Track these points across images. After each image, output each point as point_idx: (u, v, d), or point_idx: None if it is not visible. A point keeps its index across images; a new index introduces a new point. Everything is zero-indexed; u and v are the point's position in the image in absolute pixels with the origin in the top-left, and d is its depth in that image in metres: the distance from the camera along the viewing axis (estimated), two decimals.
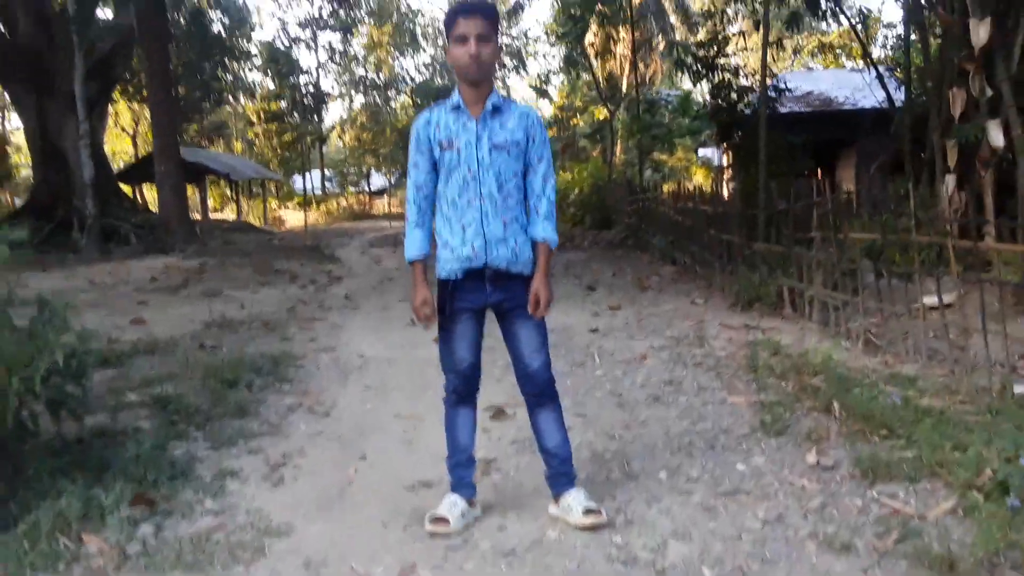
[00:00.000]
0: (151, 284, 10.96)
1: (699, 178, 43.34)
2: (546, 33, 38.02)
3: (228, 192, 43.80)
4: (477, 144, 2.67)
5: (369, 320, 7.75)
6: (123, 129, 42.10)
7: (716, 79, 13.89)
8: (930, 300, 5.62)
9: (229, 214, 41.59)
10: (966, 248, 5.35)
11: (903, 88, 11.04)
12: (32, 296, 3.50)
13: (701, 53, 14.04)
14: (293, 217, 41.49)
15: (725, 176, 21.66)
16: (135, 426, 4.09)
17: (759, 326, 6.66)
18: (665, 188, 36.01)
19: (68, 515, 2.81)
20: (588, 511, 2.70)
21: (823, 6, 12.02)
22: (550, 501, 2.87)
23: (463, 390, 2.88)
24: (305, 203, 40.38)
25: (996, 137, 7.11)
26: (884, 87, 12.18)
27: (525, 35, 42.53)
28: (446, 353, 2.85)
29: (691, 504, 2.90)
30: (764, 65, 9.56)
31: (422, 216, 2.79)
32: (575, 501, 2.74)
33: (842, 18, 13.11)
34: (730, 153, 16.78)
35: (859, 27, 13.99)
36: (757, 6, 11.84)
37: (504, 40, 45.67)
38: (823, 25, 16.61)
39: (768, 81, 11.89)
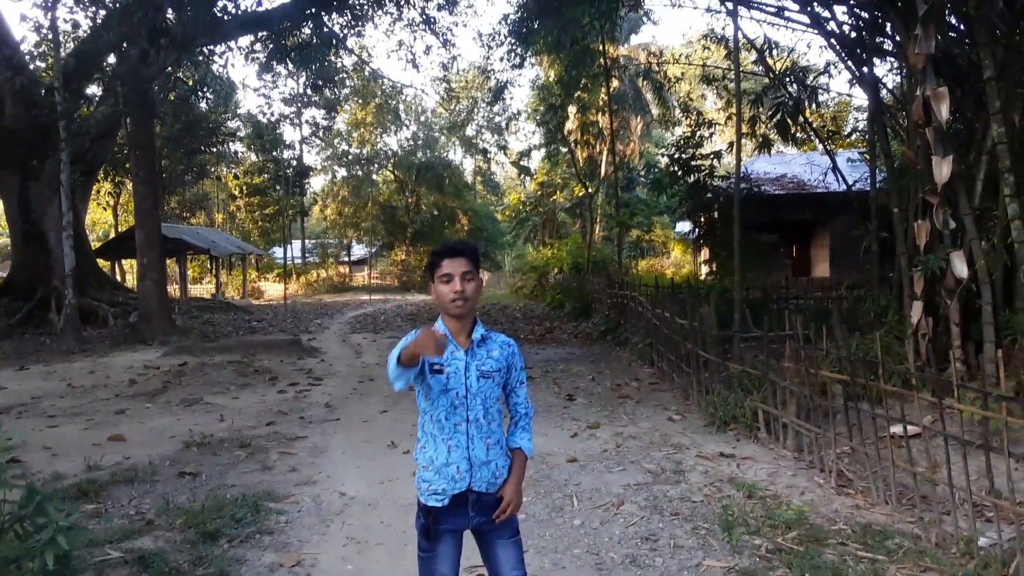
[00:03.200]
0: (130, 388, 10.96)
1: (677, 253, 44.13)
2: (528, 110, 38.98)
3: (208, 264, 43.88)
4: (466, 372, 2.80)
5: (351, 439, 7.79)
6: (104, 204, 42.15)
7: (692, 179, 14.35)
8: (898, 429, 5.80)
9: (208, 286, 41.62)
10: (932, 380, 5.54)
11: (873, 172, 11.47)
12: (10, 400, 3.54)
13: (676, 155, 14.49)
14: (272, 289, 41.59)
15: (700, 259, 22.10)
16: None
17: (735, 454, 6.79)
18: (643, 265, 36.44)
19: None
20: None
21: (791, 130, 12.52)
22: None
23: None
24: (285, 275, 40.50)
25: (960, 268, 7.41)
26: (845, 181, 12.65)
27: (507, 113, 43.29)
28: (428, 575, 2.88)
29: None
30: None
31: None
32: None
33: (812, 134, 13.59)
34: (705, 243, 17.20)
35: (828, 138, 14.47)
36: (729, 129, 12.28)
37: (488, 116, 46.73)
38: (790, 147, 17.14)
39: (741, 181, 12.32)
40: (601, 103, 26.06)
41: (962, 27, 8.34)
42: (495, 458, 2.85)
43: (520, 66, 19.94)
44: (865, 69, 10.06)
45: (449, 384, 2.79)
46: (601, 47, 20.61)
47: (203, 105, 30.22)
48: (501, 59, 19.67)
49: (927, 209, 7.75)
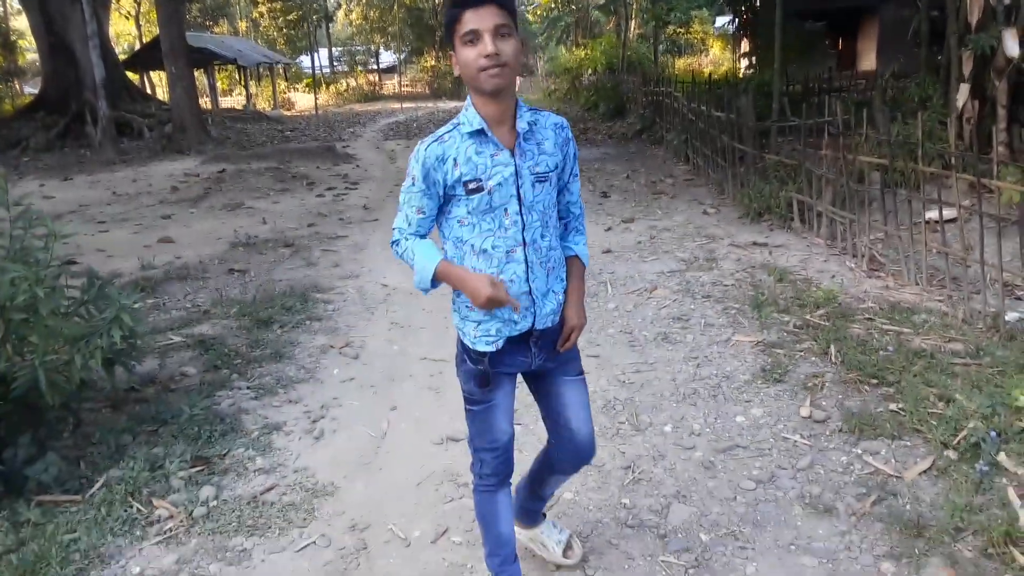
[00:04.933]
0: (173, 195, 11.19)
1: (716, 51, 42.26)
2: None
3: (236, 75, 43.16)
4: (517, 179, 2.07)
5: (388, 236, 7.95)
6: (125, 13, 41.08)
7: None
8: (934, 215, 5.80)
9: (238, 98, 41.15)
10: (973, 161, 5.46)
11: None
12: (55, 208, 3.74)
13: None
14: (303, 99, 41.00)
15: (739, 53, 21.14)
16: (182, 371, 4.44)
17: (768, 243, 6.85)
18: (680, 64, 35.10)
19: (137, 480, 3.17)
20: (561, 544, 2.60)
21: None
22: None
23: (503, 470, 2.33)
24: (314, 85, 39.78)
25: (1012, 47, 7.04)
26: None
27: None
28: (483, 431, 2.27)
29: (693, 461, 3.22)
30: None
31: (417, 234, 2.15)
32: (547, 536, 2.63)
33: None
34: (746, 36, 16.39)
35: None
36: None
37: None
38: None
39: None
40: None
41: None
42: (553, 284, 2.19)
43: None
44: None
45: (494, 200, 2.05)
46: None
47: None
48: None
49: None
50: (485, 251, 2.08)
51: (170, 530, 2.89)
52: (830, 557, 2.56)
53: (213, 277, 6.65)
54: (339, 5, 49.81)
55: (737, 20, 15.49)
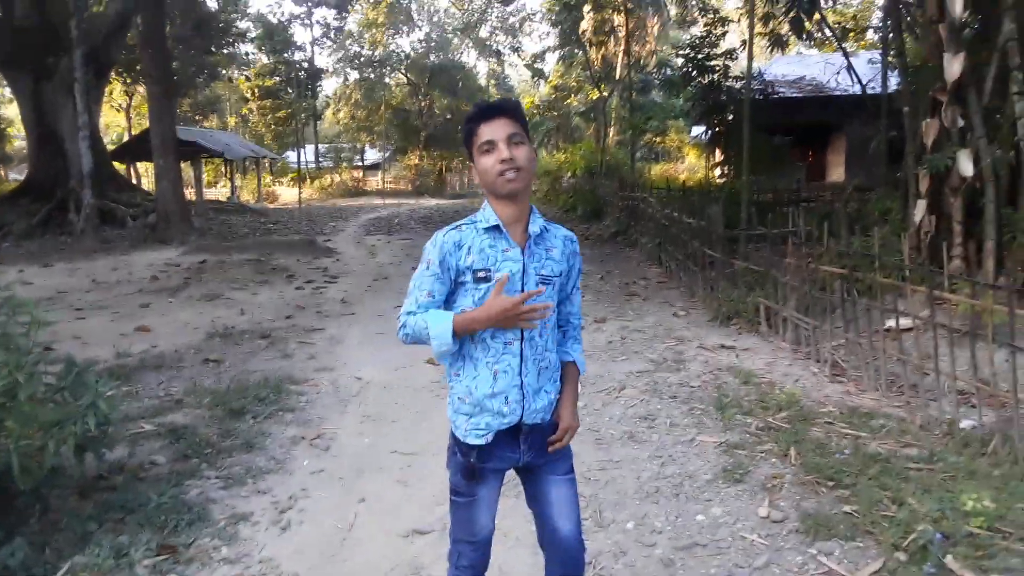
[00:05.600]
0: (152, 284, 11.29)
1: (692, 158, 43.67)
2: (543, 10, 38.09)
3: (222, 168, 43.93)
4: (523, 277, 2.19)
5: (366, 331, 8.10)
6: (116, 106, 42.00)
7: (706, 80, 14.21)
8: (893, 323, 6.02)
9: (223, 189, 41.75)
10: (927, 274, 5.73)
11: (884, 72, 11.34)
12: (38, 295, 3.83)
13: (691, 55, 14.31)
14: (286, 193, 41.63)
15: (712, 162, 21.96)
16: (151, 459, 4.46)
17: (735, 346, 7.04)
18: (657, 170, 36.15)
19: (102, 567, 3.19)
20: None
21: (807, 27, 12.32)
22: None
23: (480, 563, 2.39)
24: (299, 179, 40.51)
25: (966, 167, 7.45)
26: (859, 81, 12.53)
27: (521, 13, 42.26)
28: (465, 523, 2.34)
29: (653, 558, 3.29)
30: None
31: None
32: None
33: (827, 32, 13.36)
34: (719, 146, 17.11)
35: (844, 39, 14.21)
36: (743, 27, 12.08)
37: (502, 16, 45.66)
38: (805, 43, 16.77)
39: (753, 83, 12.20)
40: (617, 1, 25.44)
41: None
42: (545, 384, 2.27)
43: None
44: None
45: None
46: None
47: (212, 3, 29.74)
48: None
49: (936, 108, 7.74)
50: (484, 340, 2.18)
51: None
52: None
53: (188, 367, 6.70)
54: (327, 104, 51.22)
55: (709, 131, 16.19)
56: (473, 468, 2.26)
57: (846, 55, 12.92)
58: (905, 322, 5.90)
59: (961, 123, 7.61)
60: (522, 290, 2.17)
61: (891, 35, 9.95)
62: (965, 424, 4.79)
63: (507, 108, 2.19)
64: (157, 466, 4.39)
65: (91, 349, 7.21)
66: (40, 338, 3.69)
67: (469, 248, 2.17)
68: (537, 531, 2.40)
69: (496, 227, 2.18)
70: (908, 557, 3.13)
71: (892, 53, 10.05)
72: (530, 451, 2.27)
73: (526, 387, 2.21)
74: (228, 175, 39.67)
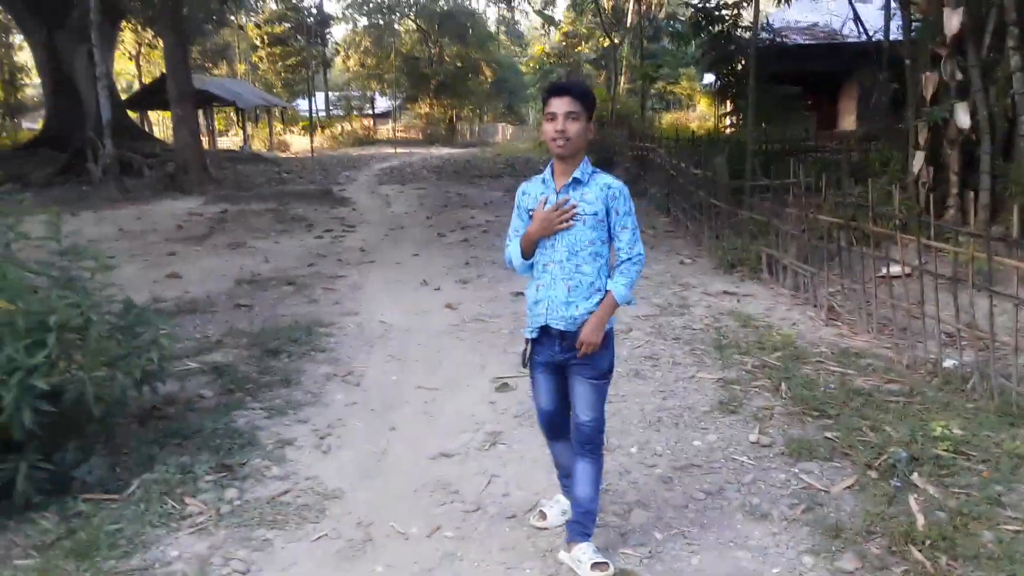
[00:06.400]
0: (178, 233, 11.70)
1: (703, 107, 43.49)
2: None
3: (233, 116, 44.04)
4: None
5: (385, 279, 8.50)
6: (126, 53, 41.95)
7: (716, 29, 14.31)
8: (893, 270, 6.38)
9: (234, 138, 41.93)
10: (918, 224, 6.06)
11: (887, 24, 11.48)
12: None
13: (701, 4, 14.38)
14: (298, 142, 41.73)
15: (722, 112, 22.05)
16: (199, 393, 4.91)
17: (738, 292, 7.42)
18: (668, 119, 36.04)
19: (170, 482, 3.64)
20: (596, 564, 2.88)
21: None
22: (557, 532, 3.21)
23: (549, 431, 3.17)
24: (311, 128, 40.56)
25: (963, 119, 7.73)
26: (865, 31, 12.65)
27: None
28: (534, 394, 3.14)
29: (653, 476, 3.71)
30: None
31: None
32: (584, 555, 2.91)
33: None
34: (728, 96, 17.22)
35: None
36: None
37: None
38: None
39: (762, 33, 12.33)
40: None
41: None
42: (576, 300, 2.85)
43: None
44: None
45: None
46: None
47: None
48: None
49: (936, 61, 7.98)
50: (534, 265, 2.97)
51: (201, 523, 3.35)
52: (761, 552, 3.05)
53: (221, 311, 7.13)
54: (337, 51, 50.96)
55: (719, 81, 16.30)
56: (526, 355, 3.04)
57: (852, 5, 13.00)
58: (898, 269, 6.25)
59: (960, 76, 7.86)
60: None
61: None
62: (948, 363, 5.17)
63: (573, 89, 2.86)
64: (205, 399, 4.84)
65: (128, 294, 7.61)
66: (104, 280, 4.11)
67: (528, 194, 3.01)
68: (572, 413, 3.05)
69: (545, 179, 2.96)
70: (879, 475, 3.55)
71: (896, 4, 10.20)
72: (562, 352, 2.93)
73: (552, 298, 2.88)
74: (240, 124, 39.81)
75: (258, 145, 39.14)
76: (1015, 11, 7.40)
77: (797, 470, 3.69)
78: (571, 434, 3.03)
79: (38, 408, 3.34)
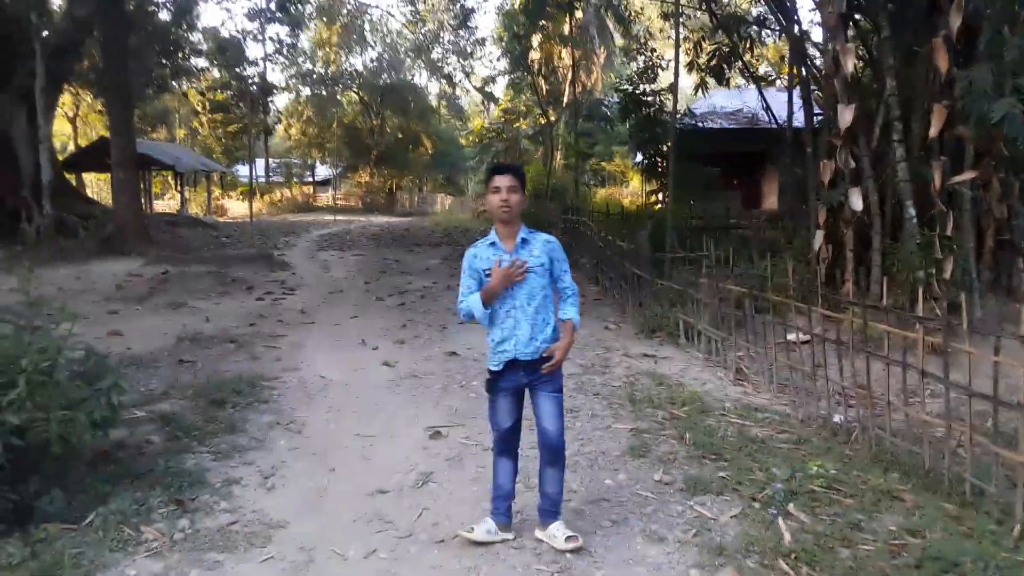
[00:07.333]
0: (118, 293, 11.89)
1: (635, 183, 45.16)
2: (494, 36, 39.24)
3: (170, 180, 43.92)
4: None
5: (325, 338, 8.88)
6: (63, 115, 41.74)
7: (643, 113, 15.37)
8: (793, 336, 7.06)
9: (170, 201, 41.80)
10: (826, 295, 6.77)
11: (789, 116, 12.66)
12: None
13: (630, 90, 15.45)
14: (236, 207, 41.87)
15: (648, 189, 23.21)
16: (147, 439, 5.21)
17: (656, 355, 8.02)
18: (602, 194, 37.29)
19: (126, 512, 3.96)
20: (568, 538, 3.62)
21: (727, 74, 13.61)
22: (517, 522, 3.91)
23: (502, 446, 3.76)
24: (251, 193, 40.73)
25: (856, 202, 8.61)
26: (775, 119, 13.83)
27: (473, 38, 43.35)
28: (492, 416, 3.75)
29: (568, 509, 4.16)
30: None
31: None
32: (559, 531, 3.66)
33: (748, 77, 14.67)
34: (654, 174, 18.29)
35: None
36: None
37: (454, 40, 46.70)
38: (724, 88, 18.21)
39: (685, 118, 13.34)
40: (566, 32, 26.64)
41: None
42: (537, 335, 3.59)
43: None
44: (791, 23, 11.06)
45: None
46: None
47: (163, 15, 30.02)
48: None
49: (832, 150, 8.91)
50: (497, 311, 3.63)
51: (156, 548, 3.68)
52: (656, 567, 3.53)
53: (164, 366, 7.40)
54: (279, 119, 51.56)
55: (646, 160, 17.35)
56: (492, 384, 3.70)
57: (762, 96, 14.21)
58: (804, 336, 6.93)
59: (853, 164, 8.78)
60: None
61: (797, 85, 11.20)
62: (836, 418, 5.80)
63: (512, 169, 3.68)
64: (153, 444, 5.14)
65: (69, 350, 7.82)
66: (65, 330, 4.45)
67: (478, 256, 3.68)
68: (536, 426, 3.72)
69: (494, 242, 3.66)
70: (760, 505, 4.09)
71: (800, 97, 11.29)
72: (527, 376, 3.64)
73: (519, 337, 3.59)
74: (177, 188, 39.77)
75: (195, 209, 39.13)
76: (899, 108, 8.38)
77: (692, 503, 4.20)
78: (540, 447, 3.72)
79: (7, 443, 3.65)
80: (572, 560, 3.60)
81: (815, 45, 11.61)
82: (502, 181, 3.56)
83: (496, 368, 3.66)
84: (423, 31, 45.54)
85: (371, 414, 5.95)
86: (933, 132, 7.94)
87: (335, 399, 6.37)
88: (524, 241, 3.62)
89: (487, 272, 3.58)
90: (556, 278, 3.68)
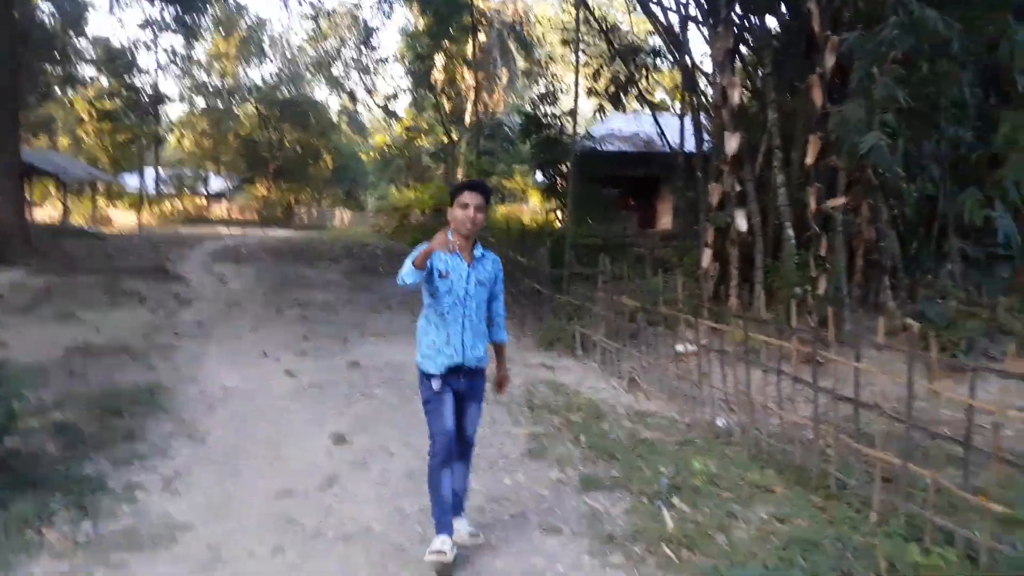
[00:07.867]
0: (0, 303, 11.36)
1: (535, 201, 45.98)
2: (397, 55, 39.33)
3: (51, 188, 41.94)
4: (467, 280, 3.74)
5: (225, 350, 8.80)
6: None
7: (543, 136, 15.84)
8: (682, 348, 7.49)
9: (50, 211, 39.88)
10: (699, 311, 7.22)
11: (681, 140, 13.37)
12: None
13: (530, 113, 15.91)
14: (122, 217, 40.31)
15: (549, 207, 23.81)
16: (43, 448, 5.13)
17: (554, 366, 8.33)
18: (502, 211, 37.81)
19: (27, 517, 3.93)
20: (471, 534, 3.87)
21: (624, 100, 14.27)
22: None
23: (445, 454, 3.75)
24: (139, 204, 39.36)
25: (741, 223, 9.20)
26: (669, 145, 14.56)
27: (376, 55, 43.28)
28: (435, 421, 3.79)
29: (472, 507, 4.38)
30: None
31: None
32: (462, 527, 3.86)
33: (644, 104, 15.37)
34: (554, 193, 18.82)
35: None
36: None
37: (356, 57, 46.49)
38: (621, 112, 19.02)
39: (585, 141, 13.85)
40: (469, 54, 27.06)
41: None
42: (478, 343, 3.83)
43: (390, 16, 20.63)
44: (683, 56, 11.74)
45: (453, 287, 3.71)
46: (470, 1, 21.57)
47: (48, 21, 28.86)
48: (371, 7, 20.27)
49: (720, 175, 9.50)
50: (443, 315, 3.76)
51: (60, 550, 3.68)
52: (551, 555, 3.79)
53: (55, 379, 7.19)
54: (171, 130, 50.01)
55: (546, 179, 17.85)
56: (434, 386, 3.79)
57: (657, 122, 14.93)
58: (691, 347, 7.37)
59: (738, 188, 9.38)
60: (466, 288, 3.75)
61: (689, 113, 11.88)
62: (719, 422, 6.22)
63: (482, 188, 3.82)
64: (49, 454, 5.06)
65: None
66: None
67: (438, 256, 3.70)
68: (456, 427, 3.87)
69: (457, 254, 3.75)
70: (648, 499, 4.41)
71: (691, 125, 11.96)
72: (464, 381, 3.86)
73: (465, 344, 3.78)
74: (61, 197, 38.02)
75: (78, 219, 37.48)
76: (780, 138, 9.03)
77: (586, 498, 4.49)
78: (459, 445, 3.90)
79: None
80: (473, 551, 3.81)
81: (706, 76, 12.33)
82: (472, 199, 3.70)
83: (440, 371, 3.76)
84: (324, 47, 45.15)
85: (275, 422, 6.00)
86: (809, 160, 8.60)
87: (238, 408, 6.38)
88: (483, 256, 3.82)
89: (444, 273, 3.70)
90: (492, 296, 3.90)
